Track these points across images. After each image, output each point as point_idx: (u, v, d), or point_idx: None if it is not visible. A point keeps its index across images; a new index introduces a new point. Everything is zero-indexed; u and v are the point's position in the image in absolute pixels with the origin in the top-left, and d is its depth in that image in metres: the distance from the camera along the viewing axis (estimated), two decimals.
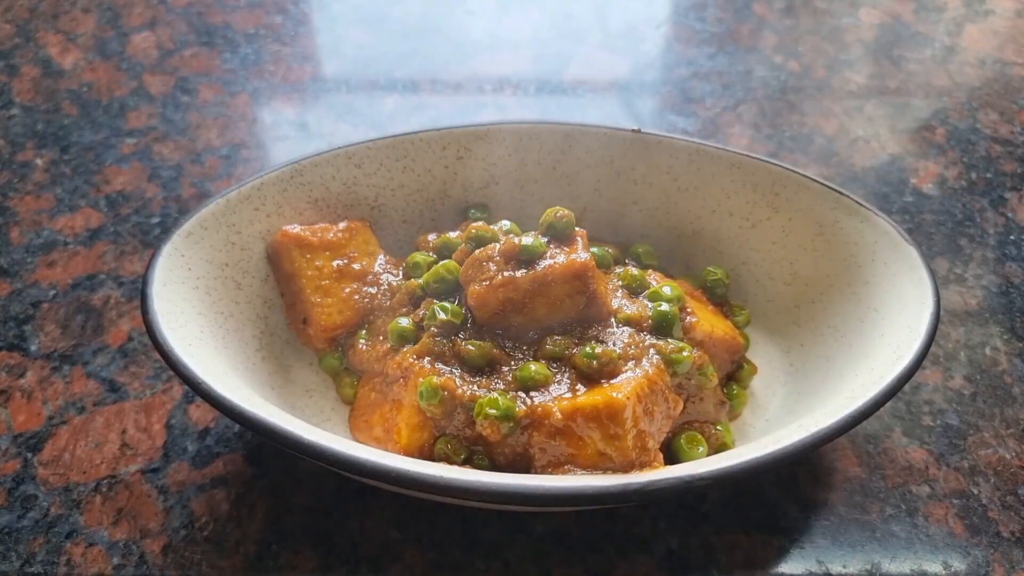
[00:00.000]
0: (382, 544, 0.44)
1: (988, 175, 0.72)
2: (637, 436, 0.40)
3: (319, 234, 0.51)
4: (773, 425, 0.47)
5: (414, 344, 0.45)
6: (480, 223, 0.49)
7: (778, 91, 0.83)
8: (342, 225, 0.52)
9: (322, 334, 0.49)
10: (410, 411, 0.43)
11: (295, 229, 0.50)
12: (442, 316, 0.44)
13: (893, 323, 0.45)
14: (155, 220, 0.64)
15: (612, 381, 0.41)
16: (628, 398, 0.39)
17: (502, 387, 0.42)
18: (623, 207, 0.57)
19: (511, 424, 0.40)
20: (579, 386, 0.41)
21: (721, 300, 0.53)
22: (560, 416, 0.40)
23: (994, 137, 0.77)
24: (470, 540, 0.44)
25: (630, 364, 0.42)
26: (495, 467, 0.41)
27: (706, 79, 0.84)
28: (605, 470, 0.39)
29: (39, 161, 0.70)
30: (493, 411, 0.40)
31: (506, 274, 0.44)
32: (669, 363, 0.43)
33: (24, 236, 0.62)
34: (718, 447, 0.45)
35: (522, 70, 0.85)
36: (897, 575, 0.43)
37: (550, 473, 0.40)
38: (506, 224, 0.49)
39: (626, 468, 0.39)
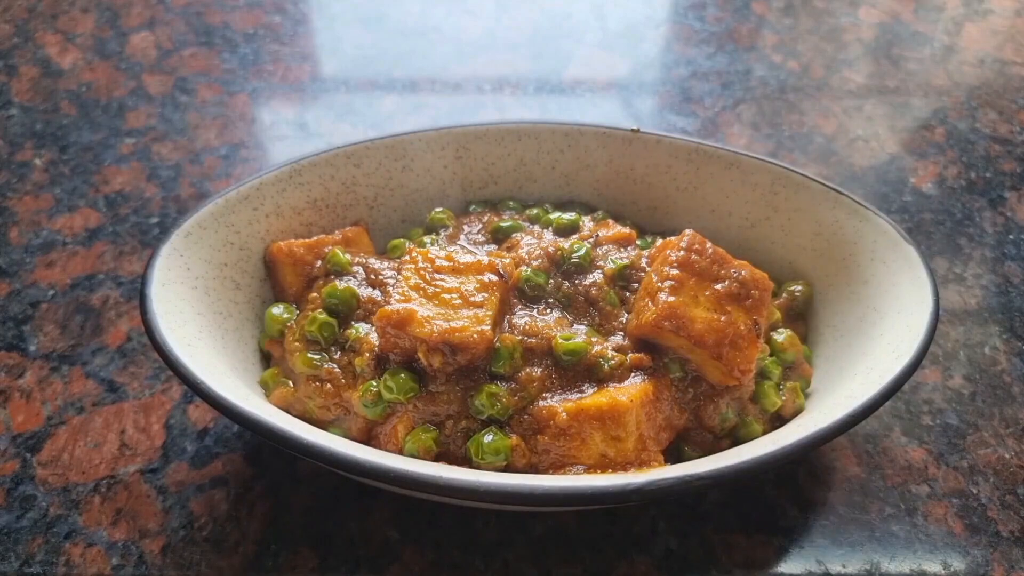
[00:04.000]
0: (381, 544, 0.44)
1: (987, 174, 0.72)
2: (639, 440, 0.40)
3: (314, 249, 0.50)
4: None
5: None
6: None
7: (777, 90, 0.83)
8: (337, 235, 0.51)
9: None
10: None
11: (288, 243, 0.50)
12: (389, 396, 0.41)
13: (892, 322, 0.45)
14: (154, 220, 0.64)
15: (620, 384, 0.41)
16: (632, 401, 0.39)
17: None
18: (622, 207, 0.57)
19: (505, 457, 0.40)
20: (586, 388, 0.41)
21: (797, 315, 0.52)
22: (565, 416, 0.40)
23: (993, 136, 0.77)
24: (469, 540, 0.44)
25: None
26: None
27: (705, 79, 0.84)
28: (605, 471, 0.39)
29: (38, 161, 0.70)
30: (489, 456, 0.40)
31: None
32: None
33: (23, 236, 0.62)
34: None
35: (521, 70, 0.85)
36: (897, 575, 0.43)
37: (552, 473, 0.40)
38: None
39: (626, 469, 0.39)
